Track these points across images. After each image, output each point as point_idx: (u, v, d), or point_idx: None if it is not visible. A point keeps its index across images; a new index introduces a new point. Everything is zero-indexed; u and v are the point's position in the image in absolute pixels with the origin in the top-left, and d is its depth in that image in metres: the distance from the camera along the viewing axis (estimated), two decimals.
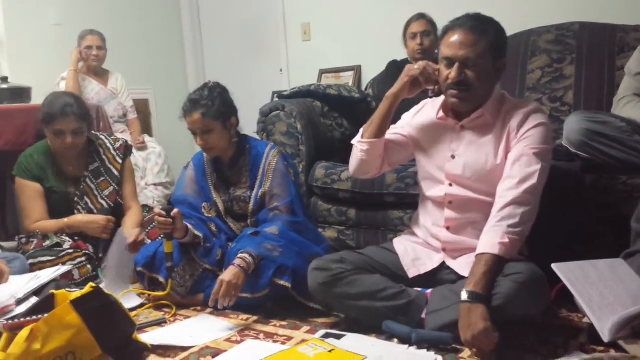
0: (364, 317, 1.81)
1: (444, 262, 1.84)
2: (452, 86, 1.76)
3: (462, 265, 1.78)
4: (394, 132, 1.98)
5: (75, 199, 2.53)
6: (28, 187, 2.51)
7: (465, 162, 1.81)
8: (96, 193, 2.57)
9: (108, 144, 2.65)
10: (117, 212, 2.60)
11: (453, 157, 1.83)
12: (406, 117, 2.01)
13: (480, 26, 1.74)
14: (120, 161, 2.64)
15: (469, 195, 1.81)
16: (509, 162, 1.73)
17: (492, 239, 1.64)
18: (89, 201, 2.55)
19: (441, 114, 1.87)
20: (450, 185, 1.84)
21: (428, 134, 1.91)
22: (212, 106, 2.17)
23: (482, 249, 1.64)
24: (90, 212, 2.53)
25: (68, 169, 2.56)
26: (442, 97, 1.89)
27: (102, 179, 2.59)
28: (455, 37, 1.74)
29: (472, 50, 1.71)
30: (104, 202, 2.57)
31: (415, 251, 1.91)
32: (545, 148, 1.73)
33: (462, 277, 1.73)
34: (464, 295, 1.57)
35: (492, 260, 1.61)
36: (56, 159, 2.55)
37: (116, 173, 2.62)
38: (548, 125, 1.77)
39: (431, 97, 1.94)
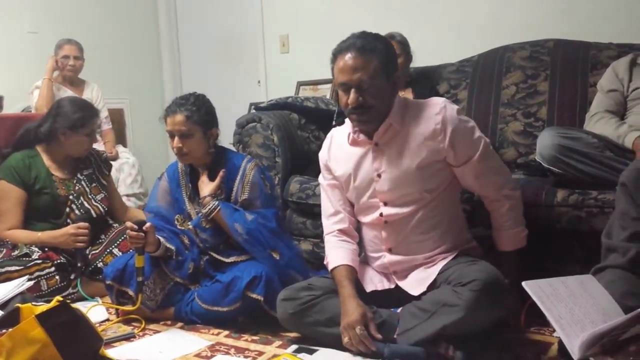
0: (338, 344, 1.73)
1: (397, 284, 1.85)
2: (353, 110, 1.76)
3: (413, 284, 1.79)
4: (330, 179, 1.96)
5: (71, 197, 2.54)
6: (12, 192, 2.47)
7: (391, 177, 1.80)
8: (90, 196, 2.61)
9: (95, 155, 2.73)
10: (104, 220, 2.67)
11: (379, 175, 1.82)
12: (323, 158, 1.98)
13: (368, 46, 1.73)
14: (107, 172, 2.75)
15: (403, 211, 1.80)
16: (470, 179, 1.81)
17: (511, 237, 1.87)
18: (84, 202, 2.57)
19: (352, 136, 1.86)
20: (385, 204, 1.83)
21: (349, 164, 1.88)
22: (197, 111, 2.15)
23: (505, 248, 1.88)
24: (86, 211, 2.55)
25: (63, 172, 2.58)
26: (347, 124, 1.89)
27: (94, 184, 2.66)
28: (346, 62, 1.73)
29: (364, 73, 1.70)
30: (98, 205, 2.61)
31: (373, 272, 1.93)
32: (477, 137, 1.78)
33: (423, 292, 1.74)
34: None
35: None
36: (51, 161, 2.57)
37: (104, 182, 2.71)
38: (461, 115, 1.78)
39: (334, 126, 1.90)
